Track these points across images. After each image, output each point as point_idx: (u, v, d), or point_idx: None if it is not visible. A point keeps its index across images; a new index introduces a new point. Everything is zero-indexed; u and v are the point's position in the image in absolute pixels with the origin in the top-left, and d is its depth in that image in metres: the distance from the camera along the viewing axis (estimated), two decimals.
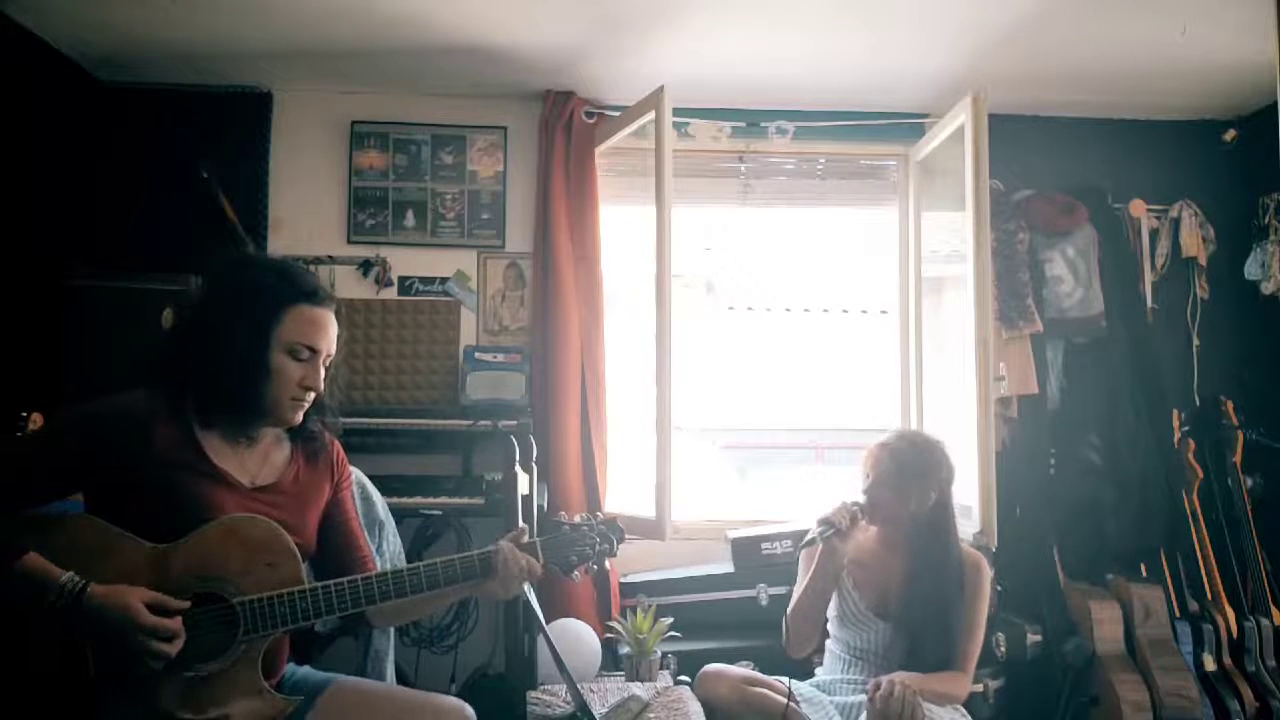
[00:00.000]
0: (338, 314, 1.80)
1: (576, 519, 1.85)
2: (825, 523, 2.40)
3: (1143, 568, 3.41)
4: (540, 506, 3.00)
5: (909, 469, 2.43)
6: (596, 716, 2.30)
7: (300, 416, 1.76)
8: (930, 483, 2.44)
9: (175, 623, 1.55)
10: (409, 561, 2.56)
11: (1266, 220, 3.54)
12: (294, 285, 1.73)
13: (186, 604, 1.58)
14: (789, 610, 2.50)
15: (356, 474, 2.50)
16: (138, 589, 1.55)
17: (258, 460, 1.77)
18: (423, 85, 3.53)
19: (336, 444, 1.91)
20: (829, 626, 2.56)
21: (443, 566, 1.73)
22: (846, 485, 2.54)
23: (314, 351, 1.73)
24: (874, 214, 3.92)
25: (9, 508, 1.59)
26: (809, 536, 2.42)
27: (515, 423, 3.09)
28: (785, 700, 2.34)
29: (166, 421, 1.66)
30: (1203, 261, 3.65)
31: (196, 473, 1.67)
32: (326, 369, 1.79)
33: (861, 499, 2.46)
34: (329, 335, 1.76)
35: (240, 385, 1.68)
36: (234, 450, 1.74)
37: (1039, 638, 3.19)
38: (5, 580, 1.52)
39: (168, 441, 1.65)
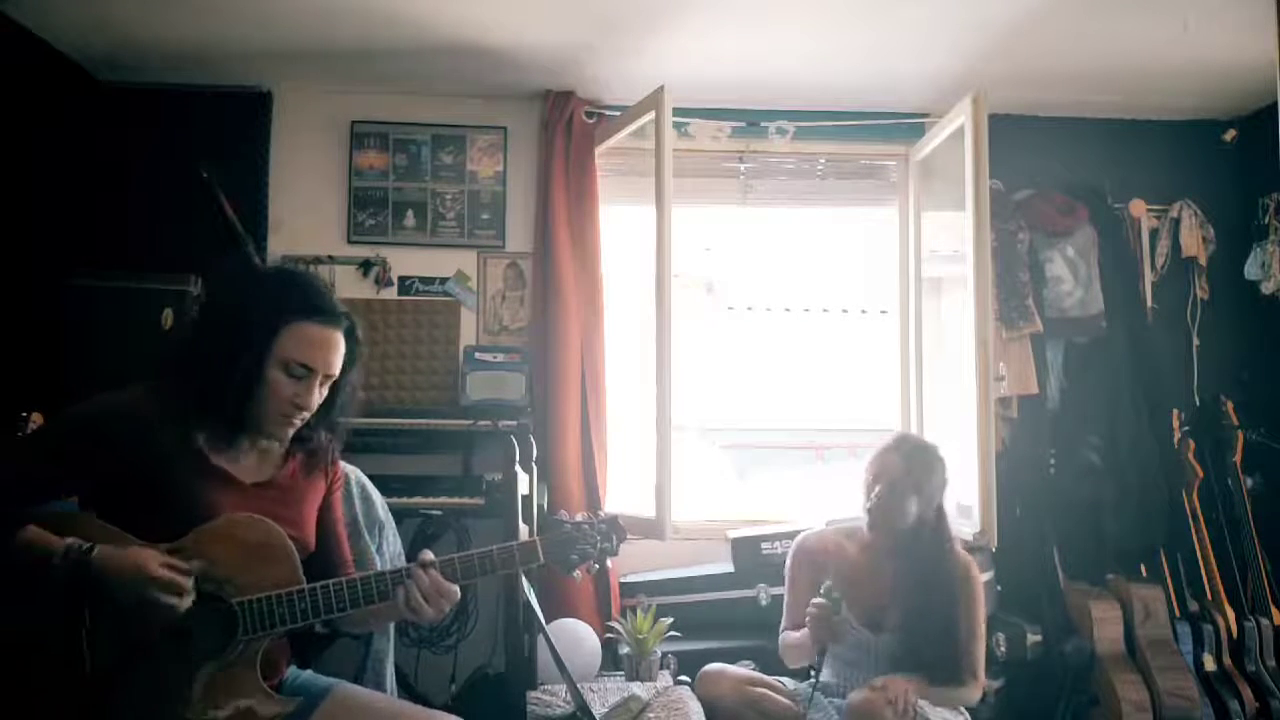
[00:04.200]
0: (350, 333, 1.75)
1: (578, 518, 1.84)
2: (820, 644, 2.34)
3: (1143, 568, 3.42)
4: (540, 506, 3.00)
5: (920, 471, 2.39)
6: (596, 716, 2.30)
7: (289, 434, 1.73)
8: (938, 485, 2.42)
9: (185, 579, 1.54)
10: (408, 562, 2.56)
11: (1266, 220, 3.55)
12: (296, 301, 1.69)
13: (193, 578, 1.56)
14: (781, 638, 2.52)
15: (357, 474, 2.50)
16: (148, 550, 1.55)
17: (255, 458, 1.76)
18: (423, 85, 3.53)
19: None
20: None
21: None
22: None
23: (310, 370, 1.69)
24: (874, 214, 3.92)
25: (8, 506, 1.58)
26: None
27: (515, 423, 3.10)
28: (785, 700, 2.35)
29: (166, 419, 1.66)
30: (1203, 261, 3.66)
31: (195, 470, 1.67)
32: (336, 388, 1.76)
33: (870, 505, 2.40)
34: (328, 355, 1.71)
35: (232, 397, 1.65)
36: (232, 449, 1.73)
37: (1039, 638, 3.19)
38: (6, 552, 1.53)
39: (167, 439, 1.65)
